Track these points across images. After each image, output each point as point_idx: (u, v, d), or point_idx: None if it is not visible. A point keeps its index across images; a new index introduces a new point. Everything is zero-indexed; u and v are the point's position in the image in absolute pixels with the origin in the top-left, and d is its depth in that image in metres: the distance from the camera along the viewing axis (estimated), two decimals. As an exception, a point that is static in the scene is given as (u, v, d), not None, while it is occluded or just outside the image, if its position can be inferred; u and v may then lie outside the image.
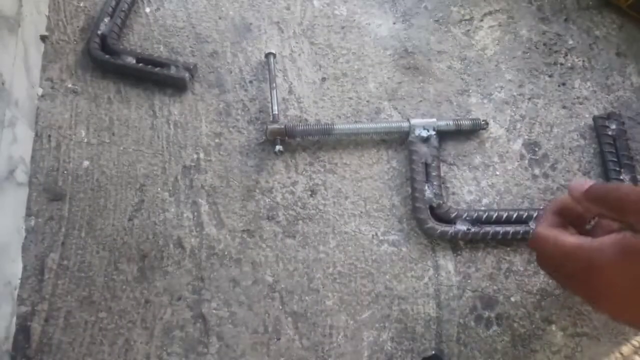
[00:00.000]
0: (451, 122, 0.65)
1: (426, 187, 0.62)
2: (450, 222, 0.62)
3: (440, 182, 0.63)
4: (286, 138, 0.65)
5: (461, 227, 0.61)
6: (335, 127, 0.65)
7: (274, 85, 0.67)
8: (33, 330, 0.58)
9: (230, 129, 0.69)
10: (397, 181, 0.67)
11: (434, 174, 0.62)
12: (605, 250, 0.35)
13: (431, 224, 0.61)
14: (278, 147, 0.64)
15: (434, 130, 0.64)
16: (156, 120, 0.69)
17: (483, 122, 0.66)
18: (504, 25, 0.77)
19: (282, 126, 0.65)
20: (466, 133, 0.68)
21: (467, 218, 0.61)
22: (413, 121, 0.64)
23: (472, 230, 0.60)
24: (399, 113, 0.70)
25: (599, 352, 0.60)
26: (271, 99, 0.67)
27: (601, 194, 0.37)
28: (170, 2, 0.76)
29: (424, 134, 0.63)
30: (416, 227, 0.64)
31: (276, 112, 0.66)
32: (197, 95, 0.71)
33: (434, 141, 0.64)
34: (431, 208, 0.62)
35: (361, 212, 0.65)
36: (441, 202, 0.61)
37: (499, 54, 0.75)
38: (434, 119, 0.65)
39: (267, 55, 0.68)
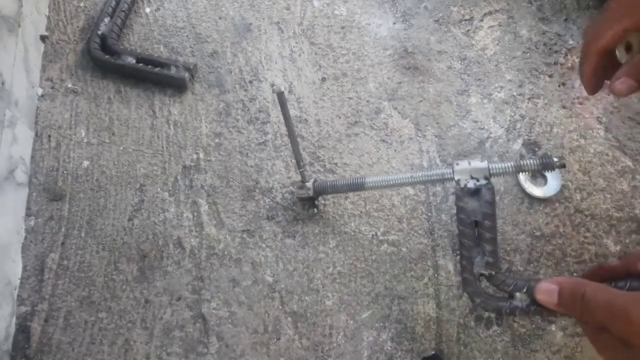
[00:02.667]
0: (510, 165, 0.47)
1: (476, 254, 0.47)
2: (506, 293, 0.47)
3: (496, 246, 0.46)
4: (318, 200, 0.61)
5: (518, 303, 0.45)
6: (366, 181, 0.55)
7: (294, 135, 0.54)
8: (33, 330, 0.58)
9: (230, 129, 0.69)
10: (397, 181, 0.67)
11: (487, 236, 0.46)
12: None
13: (482, 298, 0.47)
14: (312, 211, 0.63)
15: (485, 179, 0.46)
16: (156, 120, 0.69)
17: (557, 162, 0.46)
18: (504, 25, 0.77)
19: (310, 192, 0.58)
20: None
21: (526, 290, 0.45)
22: (457, 168, 0.47)
23: (533, 307, 0.44)
24: (399, 113, 0.70)
25: (599, 352, 0.60)
26: (295, 153, 0.56)
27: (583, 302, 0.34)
28: (170, 2, 0.76)
29: (472, 184, 0.46)
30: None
31: (304, 169, 0.56)
32: (197, 95, 0.71)
33: (487, 194, 0.46)
34: (482, 276, 0.47)
35: (361, 212, 0.65)
36: (494, 272, 0.46)
37: (499, 54, 0.75)
38: (486, 163, 0.47)
39: (279, 95, 0.51)
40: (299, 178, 0.60)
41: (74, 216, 0.64)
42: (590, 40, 0.42)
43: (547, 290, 0.38)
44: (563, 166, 0.46)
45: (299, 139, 0.68)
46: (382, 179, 0.54)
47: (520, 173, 0.48)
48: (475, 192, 0.46)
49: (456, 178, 0.47)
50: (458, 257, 0.63)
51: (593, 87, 0.44)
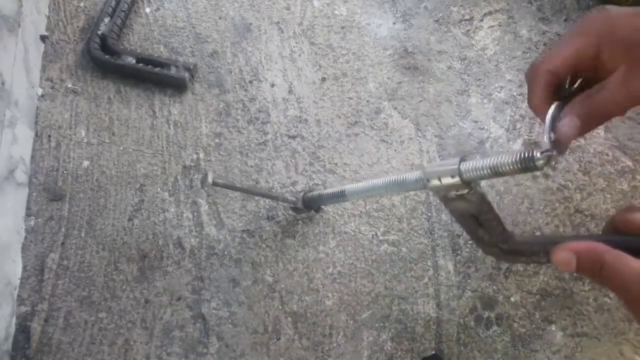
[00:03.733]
0: (484, 166, 0.37)
1: (483, 234, 0.43)
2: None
3: (501, 226, 0.41)
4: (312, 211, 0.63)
5: (541, 259, 0.41)
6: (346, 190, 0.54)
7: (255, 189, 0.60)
8: (33, 330, 0.58)
9: (230, 129, 0.69)
10: (397, 181, 0.67)
11: (489, 224, 0.41)
12: None
13: (504, 259, 0.44)
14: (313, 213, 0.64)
15: (465, 188, 0.38)
16: (156, 120, 0.69)
17: (540, 158, 0.34)
18: (504, 25, 0.77)
19: (299, 205, 0.60)
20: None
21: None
22: (427, 171, 0.40)
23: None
24: (399, 113, 0.70)
25: (599, 352, 0.60)
26: (266, 197, 0.62)
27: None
28: (170, 2, 0.76)
29: (452, 194, 0.39)
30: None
31: (283, 199, 0.60)
32: (197, 95, 0.71)
33: (473, 197, 0.39)
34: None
35: (361, 212, 0.65)
36: (506, 246, 0.42)
37: (499, 54, 0.75)
38: (455, 163, 0.38)
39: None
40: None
41: (74, 216, 0.64)
42: (540, 60, 0.37)
43: (564, 259, 0.35)
44: (547, 162, 0.34)
45: (298, 139, 0.68)
46: (359, 188, 0.52)
47: (496, 176, 0.38)
48: (459, 197, 0.40)
49: (429, 185, 0.40)
50: (458, 257, 0.63)
51: (543, 112, 0.37)
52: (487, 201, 0.40)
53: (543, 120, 0.37)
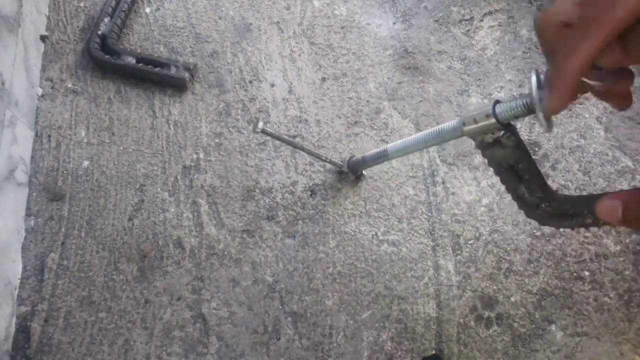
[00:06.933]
0: (518, 104, 0.37)
1: (523, 192, 0.42)
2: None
3: (541, 180, 0.41)
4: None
5: (586, 219, 0.40)
6: (388, 150, 0.55)
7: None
8: (33, 330, 0.58)
9: (230, 129, 0.69)
10: (397, 181, 0.66)
11: (527, 176, 0.41)
12: None
13: (547, 221, 0.43)
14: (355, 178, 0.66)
15: (500, 130, 0.39)
16: (156, 120, 0.69)
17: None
18: (504, 25, 0.77)
19: (344, 169, 0.65)
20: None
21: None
22: (464, 114, 0.42)
23: (601, 222, 0.37)
24: (399, 113, 0.70)
25: (599, 352, 0.60)
26: (315, 156, 0.66)
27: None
28: (170, 2, 0.76)
29: (488, 139, 0.40)
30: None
31: (329, 160, 0.65)
32: (197, 95, 0.71)
33: (508, 141, 0.40)
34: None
35: (361, 212, 0.65)
36: (547, 203, 0.42)
37: (499, 54, 0.75)
38: (489, 104, 0.39)
39: None
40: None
41: (74, 216, 0.64)
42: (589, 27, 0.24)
43: (608, 208, 0.32)
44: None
45: (298, 139, 0.68)
46: (400, 145, 0.53)
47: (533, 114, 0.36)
48: (496, 143, 0.40)
49: (464, 129, 0.41)
50: (458, 257, 0.63)
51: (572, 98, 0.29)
52: (524, 148, 0.40)
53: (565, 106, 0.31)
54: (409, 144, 0.52)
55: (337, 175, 0.66)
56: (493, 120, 0.38)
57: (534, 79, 0.32)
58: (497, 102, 0.38)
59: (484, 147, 0.41)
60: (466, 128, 0.41)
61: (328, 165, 0.67)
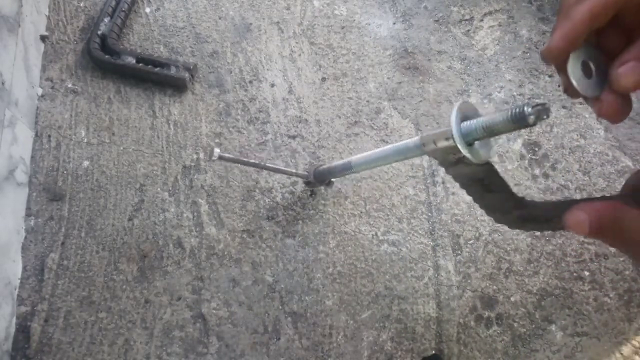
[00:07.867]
0: (478, 126, 0.36)
1: (491, 200, 0.41)
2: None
3: (509, 192, 0.39)
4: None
5: (555, 225, 0.38)
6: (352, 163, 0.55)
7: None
8: (33, 330, 0.58)
9: (230, 129, 0.69)
10: (397, 181, 0.66)
11: (494, 188, 0.40)
12: None
13: (518, 227, 0.41)
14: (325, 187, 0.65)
15: (453, 141, 0.36)
16: (156, 120, 0.69)
17: (530, 112, 0.32)
18: (504, 25, 0.77)
19: (310, 179, 0.62)
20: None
21: None
22: (424, 135, 0.40)
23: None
24: (399, 113, 0.70)
25: (599, 352, 0.60)
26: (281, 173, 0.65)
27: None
28: (170, 2, 0.76)
29: (451, 158, 0.39)
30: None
31: (296, 173, 0.63)
32: (197, 95, 0.71)
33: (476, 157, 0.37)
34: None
35: (361, 212, 0.65)
36: (517, 212, 0.40)
37: (499, 54, 0.75)
38: (449, 125, 0.36)
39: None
40: (296, 178, 0.59)
41: (74, 216, 0.64)
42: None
43: (576, 221, 0.30)
44: (545, 114, 0.32)
45: (298, 139, 0.68)
46: (364, 159, 0.52)
47: (493, 137, 0.36)
48: (459, 161, 0.39)
49: (426, 149, 0.40)
50: (458, 257, 0.63)
51: (563, 56, 0.30)
52: (488, 166, 0.39)
53: (560, 69, 0.31)
54: (372, 159, 0.51)
55: (306, 184, 0.65)
56: (451, 141, 0.37)
57: (454, 113, 0.34)
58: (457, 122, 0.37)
59: (448, 166, 0.40)
60: (426, 149, 0.40)
61: (328, 165, 0.67)
